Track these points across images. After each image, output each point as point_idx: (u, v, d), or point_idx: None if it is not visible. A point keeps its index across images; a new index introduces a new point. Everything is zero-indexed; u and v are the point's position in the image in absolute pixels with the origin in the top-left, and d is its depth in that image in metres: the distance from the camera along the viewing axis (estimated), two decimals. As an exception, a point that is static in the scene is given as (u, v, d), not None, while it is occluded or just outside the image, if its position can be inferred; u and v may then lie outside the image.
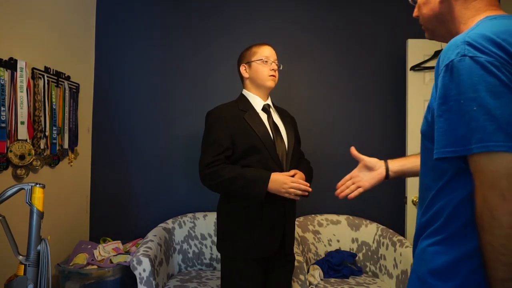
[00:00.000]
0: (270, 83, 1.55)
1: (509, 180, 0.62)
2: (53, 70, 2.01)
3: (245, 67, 1.58)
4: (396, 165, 1.15)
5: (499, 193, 0.62)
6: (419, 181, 0.88)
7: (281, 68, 1.62)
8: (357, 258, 2.31)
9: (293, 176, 1.44)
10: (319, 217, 2.43)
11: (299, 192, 1.40)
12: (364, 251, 2.32)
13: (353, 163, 1.28)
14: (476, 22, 0.80)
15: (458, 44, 0.70)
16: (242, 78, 1.63)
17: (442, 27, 0.88)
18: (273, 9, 2.55)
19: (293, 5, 2.56)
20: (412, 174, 1.16)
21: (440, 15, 0.87)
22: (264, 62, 1.54)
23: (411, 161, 1.16)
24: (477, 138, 0.64)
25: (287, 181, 1.39)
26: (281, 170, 1.48)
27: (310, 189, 1.43)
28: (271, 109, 1.60)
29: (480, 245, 0.66)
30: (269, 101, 1.62)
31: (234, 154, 1.48)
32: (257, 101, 1.57)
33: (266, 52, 1.55)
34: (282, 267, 1.57)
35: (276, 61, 1.58)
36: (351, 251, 2.33)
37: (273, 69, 1.55)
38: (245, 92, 1.61)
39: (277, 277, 1.56)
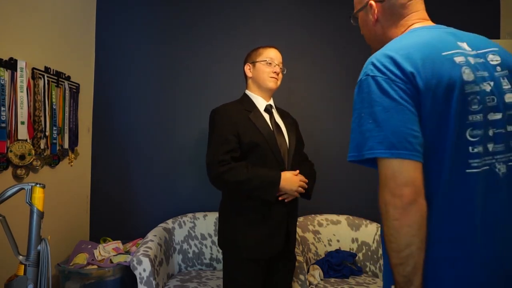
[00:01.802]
0: (271, 84, 1.57)
1: (395, 181, 0.73)
2: (53, 70, 2.01)
3: (249, 66, 1.61)
4: None
5: (388, 191, 0.74)
6: None
7: (285, 72, 1.63)
8: (357, 258, 2.31)
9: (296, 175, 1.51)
10: (319, 217, 2.43)
11: (302, 190, 1.50)
12: (364, 251, 2.32)
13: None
14: None
15: (367, 64, 0.82)
16: (246, 77, 1.65)
17: (381, 44, 0.95)
18: (274, 10, 2.55)
19: (293, 6, 2.56)
20: None
21: (376, 35, 0.97)
22: (268, 63, 1.56)
23: None
24: (368, 146, 0.77)
25: (296, 180, 1.46)
26: (283, 168, 1.50)
27: (306, 186, 1.51)
28: (273, 110, 1.62)
29: None
30: (271, 102, 1.63)
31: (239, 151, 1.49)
32: (260, 102, 1.59)
33: (271, 54, 1.58)
34: (284, 266, 1.58)
35: (281, 64, 1.60)
36: (351, 251, 2.33)
37: (275, 72, 1.56)
38: (248, 92, 1.63)
39: (279, 275, 1.57)
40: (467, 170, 0.76)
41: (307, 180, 1.51)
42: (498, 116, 0.78)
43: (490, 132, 0.78)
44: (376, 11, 0.94)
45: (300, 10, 2.57)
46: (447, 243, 0.76)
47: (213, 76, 2.51)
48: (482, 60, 0.80)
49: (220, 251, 2.29)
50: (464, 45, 0.82)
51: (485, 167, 0.77)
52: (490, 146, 0.78)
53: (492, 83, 0.79)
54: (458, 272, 0.76)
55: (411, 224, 0.72)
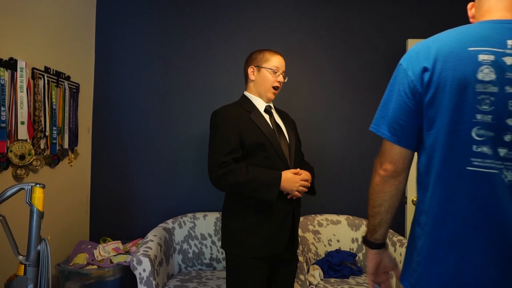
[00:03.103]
0: (271, 95, 1.59)
1: (384, 156, 0.90)
2: (53, 70, 2.01)
3: (253, 69, 1.59)
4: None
5: (379, 161, 0.92)
6: None
7: (286, 80, 1.63)
8: (357, 258, 2.31)
9: (298, 174, 1.51)
10: (319, 217, 2.43)
11: (305, 189, 1.50)
12: (364, 251, 2.32)
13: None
14: None
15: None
16: (246, 78, 1.63)
17: None
18: (273, 10, 2.55)
19: (292, 6, 2.56)
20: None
21: None
22: (273, 72, 1.56)
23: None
24: (373, 121, 0.96)
25: (297, 180, 1.46)
26: (286, 167, 1.51)
27: (308, 184, 1.51)
28: (272, 110, 1.62)
29: None
30: (270, 103, 1.64)
31: (242, 152, 1.48)
32: (259, 103, 1.59)
33: (277, 63, 1.57)
34: (287, 266, 1.57)
35: (284, 73, 1.60)
36: (351, 251, 2.33)
37: (279, 81, 1.57)
38: (247, 94, 1.63)
39: (282, 276, 1.56)
40: (468, 167, 0.77)
41: (308, 177, 1.51)
42: None
43: (507, 138, 0.75)
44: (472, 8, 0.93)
45: (300, 12, 2.56)
46: (436, 226, 0.82)
47: (213, 76, 2.51)
48: None
49: (221, 250, 2.29)
50: None
51: (492, 170, 0.76)
52: (502, 151, 0.75)
53: None
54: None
55: (386, 192, 0.91)
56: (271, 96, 1.59)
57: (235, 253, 1.49)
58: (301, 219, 2.38)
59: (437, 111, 0.80)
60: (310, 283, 2.00)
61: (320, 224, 2.40)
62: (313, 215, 2.44)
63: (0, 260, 1.60)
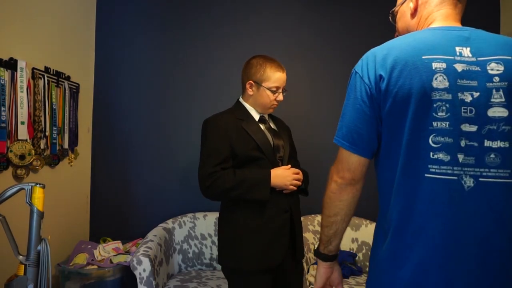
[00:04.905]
0: (270, 111, 1.56)
1: (342, 164, 0.90)
2: (53, 70, 2.01)
3: (251, 84, 1.51)
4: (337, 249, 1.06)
5: (336, 169, 0.92)
6: None
7: (284, 94, 1.57)
8: (357, 258, 2.31)
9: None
10: (319, 217, 2.43)
11: (299, 183, 1.48)
12: (364, 251, 2.32)
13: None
14: None
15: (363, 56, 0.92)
16: (244, 88, 1.57)
17: None
18: (275, 8, 2.55)
19: (294, 5, 2.56)
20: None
21: (409, 29, 0.99)
22: (273, 93, 1.50)
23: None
24: (336, 132, 0.93)
25: (288, 173, 1.44)
26: None
27: (300, 178, 1.49)
28: (266, 118, 1.59)
29: None
30: (265, 114, 1.60)
31: (234, 162, 1.45)
32: (254, 112, 1.55)
33: (278, 82, 1.50)
34: (294, 270, 1.53)
35: (284, 88, 1.55)
36: (351, 251, 2.33)
37: (277, 101, 1.52)
38: (243, 102, 1.57)
39: (289, 282, 1.52)
40: (426, 175, 0.78)
41: (299, 171, 1.48)
42: (473, 128, 0.76)
43: (462, 143, 0.76)
44: (417, 2, 0.93)
45: (301, 9, 2.56)
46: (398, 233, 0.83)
47: (215, 76, 2.51)
48: (477, 68, 0.77)
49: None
50: (465, 50, 0.79)
51: (450, 177, 0.76)
52: (460, 157, 0.76)
53: (476, 94, 0.77)
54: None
55: (342, 200, 0.92)
56: (270, 111, 1.56)
57: (236, 267, 1.43)
58: (301, 219, 2.37)
59: (396, 120, 0.81)
60: (310, 283, 2.00)
61: (320, 224, 2.39)
62: (313, 215, 2.44)
63: (0, 260, 1.60)
